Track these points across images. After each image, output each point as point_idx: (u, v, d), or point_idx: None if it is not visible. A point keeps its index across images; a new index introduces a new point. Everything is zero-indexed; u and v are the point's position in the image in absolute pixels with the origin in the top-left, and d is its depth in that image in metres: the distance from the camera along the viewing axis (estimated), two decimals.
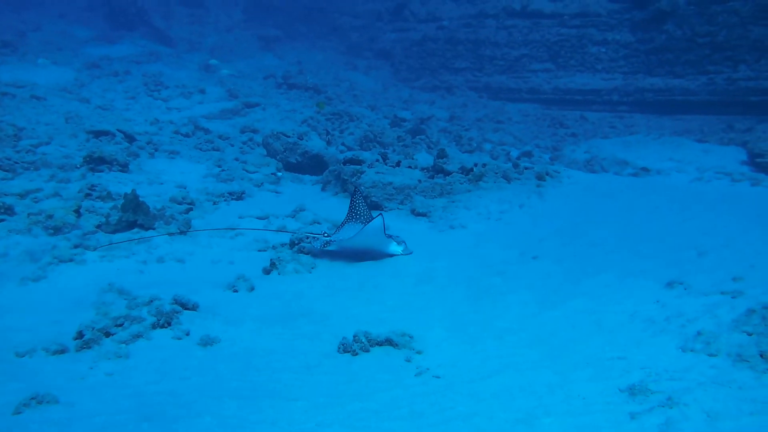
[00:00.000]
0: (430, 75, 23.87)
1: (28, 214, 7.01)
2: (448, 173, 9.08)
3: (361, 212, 6.89)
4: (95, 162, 9.23)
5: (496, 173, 9.04)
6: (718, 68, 18.37)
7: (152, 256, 6.55)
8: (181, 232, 7.15)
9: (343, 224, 6.91)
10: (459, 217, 8.05)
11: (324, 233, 6.76)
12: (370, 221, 6.75)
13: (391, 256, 6.64)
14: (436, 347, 4.63)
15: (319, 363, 4.43)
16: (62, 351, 4.29)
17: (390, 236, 6.63)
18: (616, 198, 8.43)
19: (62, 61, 19.09)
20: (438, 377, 4.15)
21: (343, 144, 13.46)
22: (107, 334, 4.46)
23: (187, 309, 4.97)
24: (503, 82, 22.32)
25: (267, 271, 6.24)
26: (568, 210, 8.05)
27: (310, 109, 16.88)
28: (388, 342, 4.59)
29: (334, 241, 6.53)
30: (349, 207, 7.02)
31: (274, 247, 6.93)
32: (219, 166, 10.78)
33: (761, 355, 3.73)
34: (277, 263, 6.25)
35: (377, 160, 9.71)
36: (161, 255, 6.58)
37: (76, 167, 9.09)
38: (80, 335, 4.40)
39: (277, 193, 9.85)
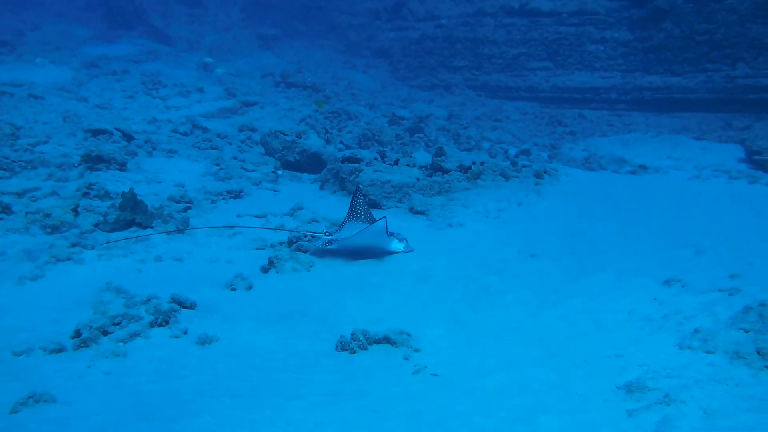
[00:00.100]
0: (429, 73, 23.85)
1: (26, 213, 7.00)
2: (446, 171, 9.08)
3: (361, 211, 6.90)
4: (93, 161, 9.21)
5: (495, 171, 9.04)
6: (717, 66, 18.37)
7: (150, 255, 6.54)
8: (179, 231, 7.15)
9: (344, 223, 6.92)
10: (457, 215, 8.05)
11: (325, 232, 6.77)
12: (370, 220, 6.78)
13: (393, 253, 6.65)
14: (434, 345, 4.64)
15: (317, 362, 4.43)
16: (60, 350, 4.29)
17: (391, 234, 6.65)
18: (614, 196, 8.44)
19: (60, 61, 19.06)
20: (436, 375, 4.16)
21: (341, 142, 13.46)
22: (105, 333, 4.45)
23: (185, 308, 4.97)
24: (502, 81, 22.30)
25: (265, 270, 6.24)
26: (566, 208, 8.06)
27: (309, 107, 16.87)
28: (386, 340, 4.59)
29: (336, 240, 6.53)
30: (350, 206, 7.03)
31: (272, 246, 6.93)
32: (217, 165, 10.77)
33: (758, 353, 3.74)
34: (275, 262, 6.25)
35: (375, 159, 9.71)
36: (159, 254, 6.58)
37: (74, 166, 9.08)
38: (78, 334, 4.39)
39: (275, 191, 9.84)
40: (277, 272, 6.17)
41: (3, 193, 7.53)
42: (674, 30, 19.18)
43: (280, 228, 7.43)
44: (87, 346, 4.32)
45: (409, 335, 4.66)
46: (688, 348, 4.06)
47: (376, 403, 3.80)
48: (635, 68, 20.06)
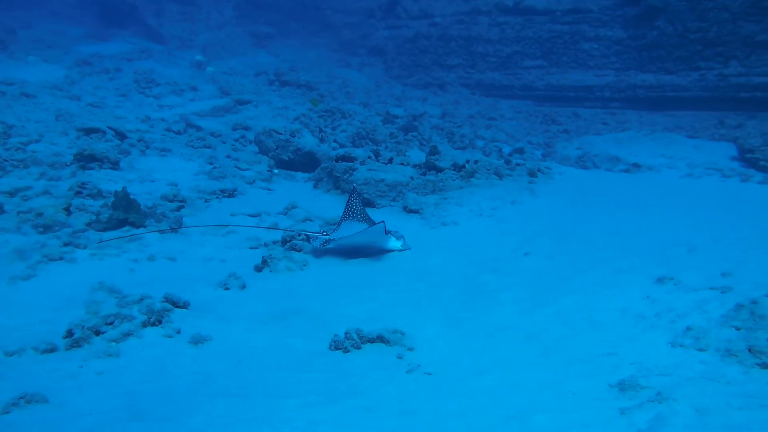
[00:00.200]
0: (423, 72, 23.86)
1: (18, 212, 6.97)
2: (440, 170, 9.08)
3: (357, 210, 6.93)
4: (86, 160, 9.17)
5: (488, 170, 9.05)
6: (710, 64, 18.44)
7: (143, 255, 6.52)
8: (172, 230, 7.13)
9: (340, 222, 6.93)
10: (451, 213, 8.05)
11: (323, 231, 6.77)
12: (366, 219, 6.81)
13: (391, 251, 6.66)
14: (428, 344, 4.64)
15: (311, 361, 4.43)
16: (52, 350, 4.27)
17: (389, 232, 6.66)
18: (607, 194, 8.46)
19: (53, 59, 18.97)
20: (429, 374, 4.16)
21: (335, 141, 13.44)
22: (97, 333, 4.43)
23: (178, 307, 4.95)
24: (496, 79, 22.32)
25: (259, 269, 6.23)
26: (559, 206, 8.08)
27: (303, 106, 16.84)
28: (380, 339, 4.59)
29: (334, 239, 6.53)
30: (346, 205, 7.04)
31: (266, 245, 6.92)
32: (211, 164, 10.75)
33: (750, 350, 3.75)
34: (269, 261, 6.24)
35: (369, 157, 9.70)
36: (152, 253, 6.55)
37: (67, 165, 9.04)
38: (70, 334, 4.38)
39: (269, 190, 9.83)
40: (270, 271, 6.16)
41: None
42: (667, 28, 19.23)
43: (274, 227, 7.42)
44: (79, 346, 4.30)
45: (402, 334, 4.66)
46: (681, 346, 4.07)
47: (370, 401, 3.79)
48: (629, 66, 20.12)
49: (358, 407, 3.72)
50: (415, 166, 9.44)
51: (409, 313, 5.21)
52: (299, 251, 6.59)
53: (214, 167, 10.47)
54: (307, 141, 11.35)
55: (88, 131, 11.02)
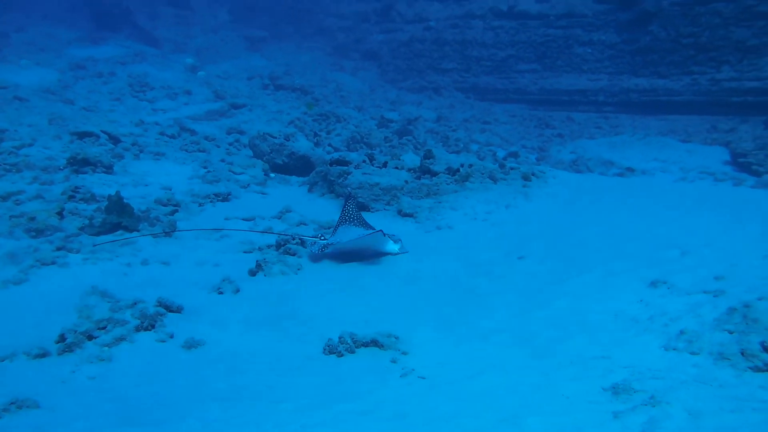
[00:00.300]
0: (418, 76, 23.91)
1: (10, 217, 6.93)
2: (434, 174, 9.09)
3: (353, 215, 6.97)
4: (79, 164, 9.14)
5: (483, 174, 9.06)
6: (702, 69, 18.56)
7: (137, 259, 6.50)
8: (166, 234, 7.10)
9: (337, 227, 6.95)
10: (445, 217, 8.06)
11: (320, 236, 6.78)
12: (363, 223, 6.84)
13: (389, 254, 6.68)
14: (422, 348, 4.64)
15: (305, 365, 4.42)
16: (44, 355, 4.25)
17: (386, 235, 6.69)
18: (601, 198, 8.48)
19: (46, 62, 18.93)
20: (423, 378, 4.15)
21: (330, 145, 13.45)
22: (90, 338, 4.41)
23: (171, 311, 4.94)
24: (490, 83, 22.40)
25: (253, 273, 6.21)
26: (553, 210, 8.10)
27: (297, 110, 16.85)
28: (374, 343, 4.58)
29: (333, 243, 6.54)
30: (342, 210, 7.07)
31: (260, 249, 6.90)
32: (205, 168, 10.73)
33: (742, 354, 3.76)
34: (263, 265, 6.22)
35: (364, 161, 9.70)
36: (146, 257, 6.53)
37: (60, 169, 9.01)
38: (62, 339, 4.35)
39: (263, 194, 9.81)
40: (264, 275, 6.15)
41: None
42: (660, 33, 19.35)
43: (268, 231, 7.41)
44: (71, 351, 4.28)
45: (396, 338, 4.65)
46: (674, 349, 4.08)
47: (364, 405, 3.79)
48: (622, 71, 20.23)
49: (351, 411, 3.72)
50: (409, 170, 9.45)
51: (403, 317, 5.20)
52: (293, 255, 6.58)
53: (209, 171, 10.45)
54: (302, 145, 11.35)
55: (82, 135, 10.99)
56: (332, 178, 9.38)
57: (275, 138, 11.28)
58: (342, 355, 4.50)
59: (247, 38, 28.62)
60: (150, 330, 4.66)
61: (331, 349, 4.54)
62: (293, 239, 6.83)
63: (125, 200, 7.15)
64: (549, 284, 5.67)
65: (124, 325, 4.60)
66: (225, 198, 9.08)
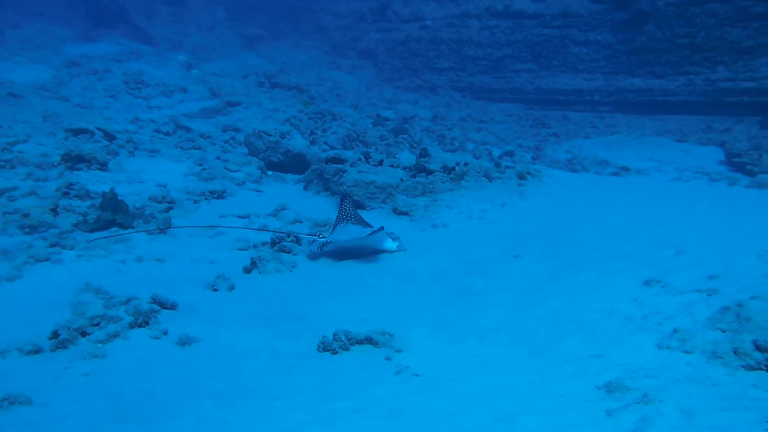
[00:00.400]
0: (414, 75, 23.91)
1: (4, 213, 6.91)
2: (430, 172, 9.09)
3: (350, 213, 6.99)
4: (73, 160, 9.11)
5: (478, 172, 9.06)
6: (697, 69, 18.61)
7: (131, 256, 6.48)
8: (161, 231, 7.09)
9: (335, 225, 6.97)
10: (441, 216, 8.06)
11: (319, 234, 6.78)
12: (360, 221, 6.86)
13: (387, 252, 6.69)
14: (417, 346, 4.64)
15: (299, 362, 4.41)
16: (37, 351, 4.23)
17: (387, 233, 6.73)
18: (596, 197, 8.49)
19: (41, 59, 18.85)
20: (418, 376, 4.15)
21: (325, 143, 13.44)
22: (83, 334, 4.40)
23: (165, 308, 4.92)
24: (486, 82, 22.41)
25: (247, 271, 6.20)
26: (549, 209, 8.10)
27: (293, 108, 16.83)
28: (368, 341, 4.58)
29: (332, 242, 6.54)
30: (339, 209, 7.10)
31: (255, 246, 6.89)
32: (200, 165, 10.70)
33: (735, 352, 3.78)
34: (257, 262, 6.22)
35: (360, 159, 9.69)
36: (140, 254, 6.51)
37: (54, 165, 8.97)
38: (56, 335, 4.33)
39: (258, 192, 9.80)
40: (259, 273, 6.14)
41: None
42: (656, 33, 19.40)
43: (263, 228, 7.39)
44: (65, 347, 4.27)
45: (391, 336, 4.65)
46: (667, 348, 4.09)
47: (358, 403, 3.79)
48: (618, 70, 20.26)
49: (345, 409, 3.72)
50: (405, 168, 9.44)
51: (398, 315, 5.20)
52: (288, 253, 6.58)
53: (204, 168, 10.42)
54: (297, 143, 11.33)
55: (76, 132, 10.95)
56: (328, 176, 9.37)
57: (271, 136, 11.27)
58: (336, 353, 4.50)
59: (243, 36, 28.56)
60: (144, 327, 4.64)
61: (325, 347, 4.54)
62: (288, 237, 6.82)
63: (120, 197, 7.13)
64: (544, 283, 5.68)
65: (117, 322, 4.58)
66: (220, 195, 9.06)
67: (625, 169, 12.38)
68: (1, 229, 6.59)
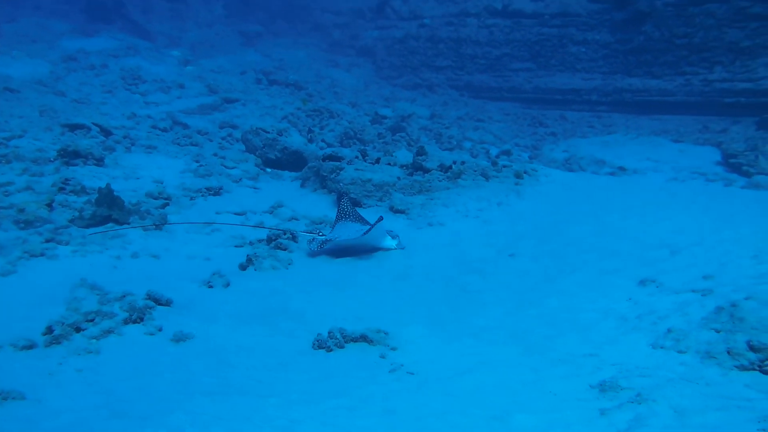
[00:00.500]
0: (412, 73, 23.88)
1: None
2: (427, 171, 9.09)
3: (349, 211, 7.03)
4: (70, 156, 9.08)
5: (475, 171, 9.06)
6: (695, 69, 18.63)
7: (126, 252, 6.47)
8: (156, 227, 7.07)
9: (335, 223, 6.99)
10: (437, 214, 8.06)
11: (318, 232, 6.79)
12: (359, 218, 6.87)
13: (386, 250, 6.70)
14: (412, 344, 4.64)
15: (294, 360, 4.41)
16: (30, 346, 4.22)
17: (387, 231, 6.75)
18: (592, 197, 8.50)
19: (38, 54, 18.79)
20: (412, 374, 4.16)
21: (323, 141, 13.42)
22: (78, 330, 4.39)
23: (160, 305, 4.92)
24: (484, 81, 22.39)
25: (243, 267, 6.20)
26: (545, 208, 8.10)
27: (291, 105, 16.81)
28: (363, 339, 4.58)
29: (331, 240, 6.55)
30: (338, 207, 7.13)
31: (251, 243, 6.89)
32: (197, 162, 10.68)
33: (728, 352, 3.79)
34: (253, 259, 6.21)
35: (357, 157, 9.68)
36: (136, 250, 6.50)
37: (50, 161, 8.94)
38: (50, 330, 4.33)
39: (255, 189, 9.79)
40: (255, 270, 6.14)
41: None
42: (654, 33, 19.40)
43: (261, 226, 7.38)
44: (59, 343, 4.26)
45: (386, 334, 4.65)
46: (661, 348, 4.10)
47: (353, 401, 3.79)
48: (616, 70, 20.26)
49: (340, 406, 3.72)
50: (402, 166, 9.44)
51: (393, 313, 5.20)
52: (284, 250, 6.57)
53: (201, 165, 10.40)
54: (295, 140, 11.32)
55: (73, 127, 10.92)
56: (325, 174, 9.36)
57: (268, 133, 11.25)
58: (331, 350, 4.50)
59: (242, 33, 28.50)
60: (139, 323, 4.64)
61: (320, 344, 4.54)
62: (285, 234, 6.81)
63: (116, 193, 7.12)
64: (540, 282, 5.68)
65: (112, 318, 4.57)
66: (217, 192, 9.05)
67: (622, 168, 12.38)
68: None
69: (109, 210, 6.97)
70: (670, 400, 3.42)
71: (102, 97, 15.86)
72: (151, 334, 4.56)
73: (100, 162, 9.39)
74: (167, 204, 8.08)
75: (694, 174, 11.94)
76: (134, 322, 4.63)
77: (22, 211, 6.73)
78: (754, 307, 4.10)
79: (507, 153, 13.92)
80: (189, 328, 4.67)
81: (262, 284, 5.82)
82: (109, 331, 4.46)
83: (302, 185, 9.91)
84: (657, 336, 4.26)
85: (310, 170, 9.92)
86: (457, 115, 19.22)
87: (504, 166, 9.44)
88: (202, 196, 8.84)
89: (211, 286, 5.65)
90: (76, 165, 9.03)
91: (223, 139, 12.93)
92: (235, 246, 6.93)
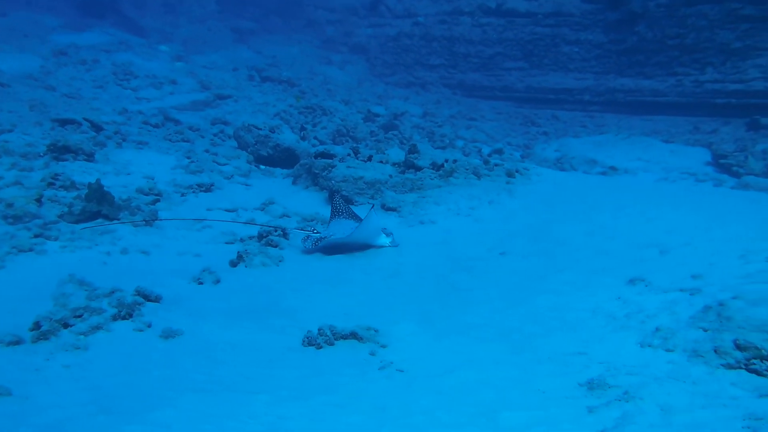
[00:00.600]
0: (405, 71, 23.88)
1: None
2: (419, 169, 9.09)
3: (342, 209, 7.04)
4: (59, 151, 9.02)
5: (467, 170, 9.07)
6: (686, 70, 18.73)
7: (116, 248, 6.44)
8: (147, 223, 7.04)
9: (330, 221, 7.00)
10: (429, 212, 8.07)
11: (313, 230, 6.78)
12: (353, 216, 6.89)
13: (380, 247, 6.71)
14: (401, 341, 4.64)
15: (283, 356, 4.40)
16: (17, 342, 4.19)
17: (383, 231, 6.78)
18: (583, 196, 8.52)
19: (28, 48, 18.65)
20: (402, 371, 4.16)
21: (315, 138, 13.40)
22: (65, 326, 4.36)
23: (149, 301, 4.90)
24: (477, 80, 22.43)
25: (234, 264, 6.18)
26: (536, 207, 8.12)
27: (284, 102, 16.77)
28: (353, 336, 4.58)
29: (326, 237, 6.55)
30: (331, 205, 7.15)
31: (242, 240, 6.88)
32: (188, 158, 10.63)
33: (715, 351, 3.81)
34: (244, 256, 6.20)
35: (349, 155, 9.68)
36: (125, 246, 6.47)
37: (40, 156, 8.88)
38: (37, 326, 4.29)
39: (247, 185, 9.75)
40: (245, 266, 6.13)
41: None
42: (647, 33, 19.49)
43: (252, 223, 7.37)
44: (46, 339, 4.23)
45: (376, 331, 4.66)
46: (649, 346, 4.12)
47: (342, 398, 3.79)
48: (608, 70, 20.35)
49: (329, 403, 3.72)
50: (394, 164, 9.43)
51: (383, 311, 5.20)
52: (275, 247, 6.56)
53: (192, 161, 10.35)
54: (287, 137, 11.29)
55: (63, 122, 10.85)
56: (316, 171, 9.35)
57: (260, 130, 11.22)
58: (321, 347, 4.50)
59: (234, 29, 28.38)
60: (127, 319, 4.62)
61: (310, 341, 4.53)
62: (276, 231, 6.80)
63: (106, 188, 7.07)
64: (530, 280, 5.70)
65: (100, 314, 4.55)
66: (208, 189, 9.02)
67: (613, 168, 12.44)
68: None
69: (98, 206, 6.93)
70: (657, 398, 3.44)
71: (93, 93, 15.77)
72: (140, 331, 4.54)
73: (90, 157, 9.33)
74: (158, 200, 8.05)
75: (685, 174, 12.02)
76: (123, 318, 4.61)
77: (10, 206, 6.68)
78: (740, 306, 4.13)
79: (499, 152, 13.94)
80: (178, 324, 4.65)
81: (253, 281, 5.81)
82: (97, 327, 4.44)
83: (294, 182, 9.89)
84: (645, 334, 4.28)
85: (302, 167, 9.91)
86: (450, 113, 19.24)
87: (496, 165, 9.46)
88: (193, 192, 8.81)
89: (201, 283, 5.64)
90: (66, 160, 8.97)
91: (215, 135, 12.88)
92: (226, 243, 6.91)
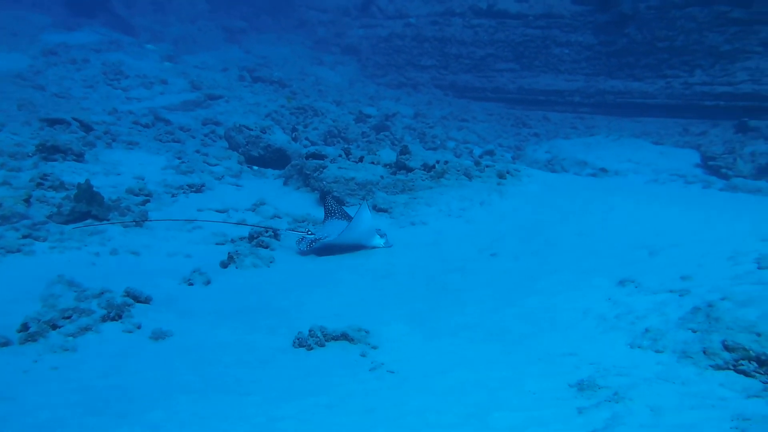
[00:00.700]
0: (397, 72, 23.91)
1: None
2: (410, 170, 9.10)
3: (335, 210, 7.08)
4: (49, 151, 8.95)
5: (458, 171, 9.09)
6: (676, 72, 18.87)
7: (105, 248, 6.40)
8: (136, 223, 7.00)
9: (324, 222, 7.00)
10: (420, 213, 8.08)
11: (307, 231, 6.78)
12: (346, 216, 6.89)
13: (374, 248, 6.70)
14: (392, 342, 4.64)
15: (274, 357, 4.39)
16: (5, 344, 4.15)
17: (377, 231, 6.80)
18: (574, 197, 8.56)
19: (17, 47, 18.52)
20: (392, 372, 4.16)
21: (306, 139, 13.38)
22: (54, 327, 4.33)
23: (139, 302, 4.88)
24: (468, 81, 22.49)
25: (224, 265, 6.16)
26: (527, 208, 8.15)
27: (275, 102, 16.73)
28: (344, 337, 4.57)
29: (320, 238, 6.54)
30: (324, 207, 7.17)
31: (232, 241, 6.86)
32: (179, 158, 10.59)
33: (704, 352, 3.84)
34: (234, 257, 6.18)
35: (340, 156, 9.67)
36: (115, 247, 6.43)
37: (28, 156, 8.81)
38: (25, 328, 4.26)
39: (238, 186, 9.73)
40: (236, 267, 6.11)
41: None
42: (637, 35, 19.61)
43: (243, 223, 7.34)
44: (34, 340, 4.20)
45: (367, 332, 4.65)
46: (639, 347, 4.14)
47: (332, 399, 3.78)
48: (599, 72, 20.46)
49: (319, 404, 3.71)
50: (385, 165, 9.44)
51: (374, 312, 5.20)
52: (266, 248, 6.54)
53: (183, 162, 10.31)
54: (278, 138, 11.27)
55: (52, 122, 10.78)
56: (308, 172, 9.34)
57: (251, 130, 11.19)
58: (312, 349, 4.49)
59: (226, 29, 28.31)
60: (117, 320, 4.59)
61: (300, 342, 4.52)
62: (267, 232, 6.79)
63: (96, 189, 7.03)
64: (521, 281, 5.72)
65: (90, 315, 4.52)
66: (198, 189, 8.98)
67: (603, 170, 12.52)
68: None
69: (88, 206, 6.88)
70: (647, 399, 3.46)
71: (83, 92, 15.67)
72: (130, 332, 4.52)
73: (79, 157, 9.27)
74: (148, 200, 8.01)
75: (674, 176, 12.10)
76: (112, 319, 4.58)
77: None
78: (729, 307, 4.16)
79: (490, 153, 13.99)
80: (168, 325, 4.63)
81: (243, 282, 5.80)
82: (86, 329, 4.40)
83: (285, 183, 9.87)
84: (635, 335, 4.30)
85: (294, 168, 9.89)
86: (441, 114, 19.28)
87: (487, 166, 9.48)
88: (184, 193, 8.77)
89: (191, 284, 5.61)
90: (55, 160, 8.91)
91: (205, 135, 12.84)
92: (217, 243, 6.89)
